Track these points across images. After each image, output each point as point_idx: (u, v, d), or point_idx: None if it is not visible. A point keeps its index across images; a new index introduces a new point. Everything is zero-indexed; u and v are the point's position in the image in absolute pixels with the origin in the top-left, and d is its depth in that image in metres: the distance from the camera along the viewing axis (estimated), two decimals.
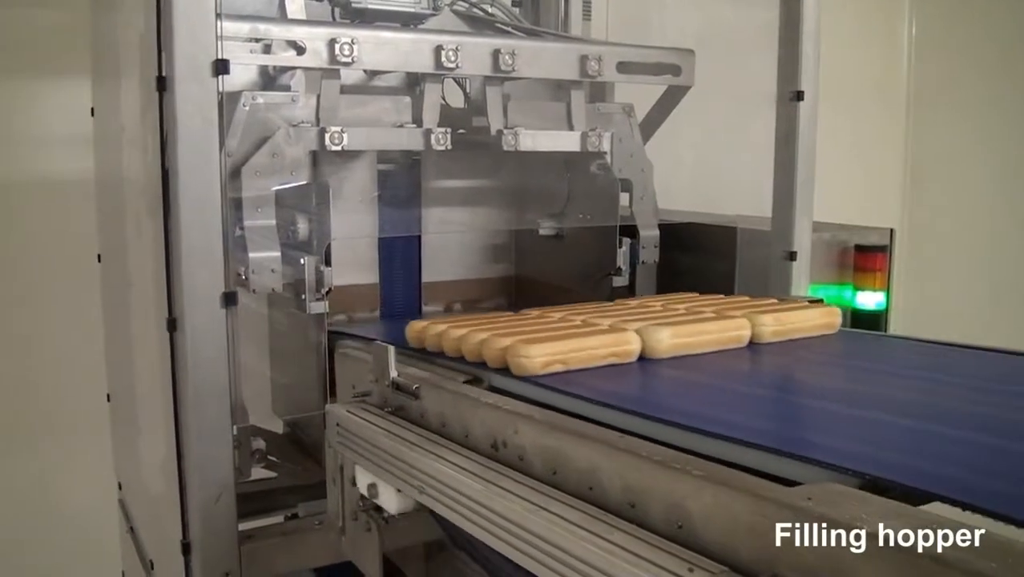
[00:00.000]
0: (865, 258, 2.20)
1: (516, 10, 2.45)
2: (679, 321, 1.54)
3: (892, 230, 2.26)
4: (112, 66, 2.12)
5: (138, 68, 1.70)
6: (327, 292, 1.74)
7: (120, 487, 2.45)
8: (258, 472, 1.90)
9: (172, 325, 1.54)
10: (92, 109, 2.37)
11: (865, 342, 1.73)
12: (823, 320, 1.68)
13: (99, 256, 2.41)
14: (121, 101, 2.04)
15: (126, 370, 2.17)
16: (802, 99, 2.04)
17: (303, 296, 1.73)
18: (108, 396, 2.47)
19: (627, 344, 1.43)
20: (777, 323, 1.58)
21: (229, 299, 1.55)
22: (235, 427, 1.61)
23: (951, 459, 1.00)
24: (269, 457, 1.82)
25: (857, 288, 2.19)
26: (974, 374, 1.41)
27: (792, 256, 2.07)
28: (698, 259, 2.23)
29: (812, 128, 2.06)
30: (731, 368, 1.45)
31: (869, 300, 2.18)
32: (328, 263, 1.73)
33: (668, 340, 1.45)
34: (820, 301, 1.80)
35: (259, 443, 1.79)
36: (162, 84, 1.50)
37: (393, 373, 1.45)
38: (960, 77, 4.17)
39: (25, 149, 2.80)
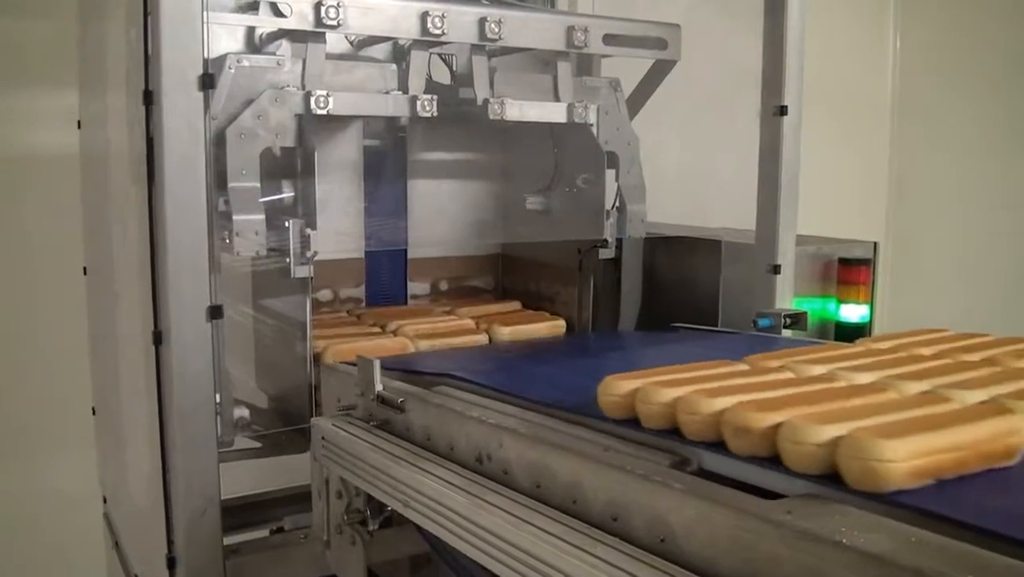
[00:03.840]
0: (849, 271, 2.21)
1: None
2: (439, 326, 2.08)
3: (876, 243, 2.27)
4: (99, 79, 2.12)
5: (125, 81, 1.70)
6: (312, 256, 1.73)
7: (105, 501, 2.44)
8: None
9: (158, 338, 1.54)
10: (79, 122, 2.37)
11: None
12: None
13: (85, 269, 2.40)
14: (108, 114, 2.04)
15: (111, 383, 2.17)
16: (786, 113, 2.05)
17: (288, 260, 1.72)
18: (93, 409, 2.46)
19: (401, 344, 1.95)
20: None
21: (215, 312, 1.55)
22: (218, 395, 1.60)
23: None
24: (253, 426, 1.80)
25: (841, 301, 2.21)
26: None
27: (776, 269, 2.08)
28: (683, 272, 2.24)
29: (796, 142, 2.08)
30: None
31: (853, 313, 2.19)
32: (313, 227, 1.73)
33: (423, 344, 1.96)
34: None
35: (243, 411, 1.78)
36: (149, 97, 1.50)
37: (378, 387, 1.45)
38: (944, 91, 4.20)
39: (13, 159, 2.79)
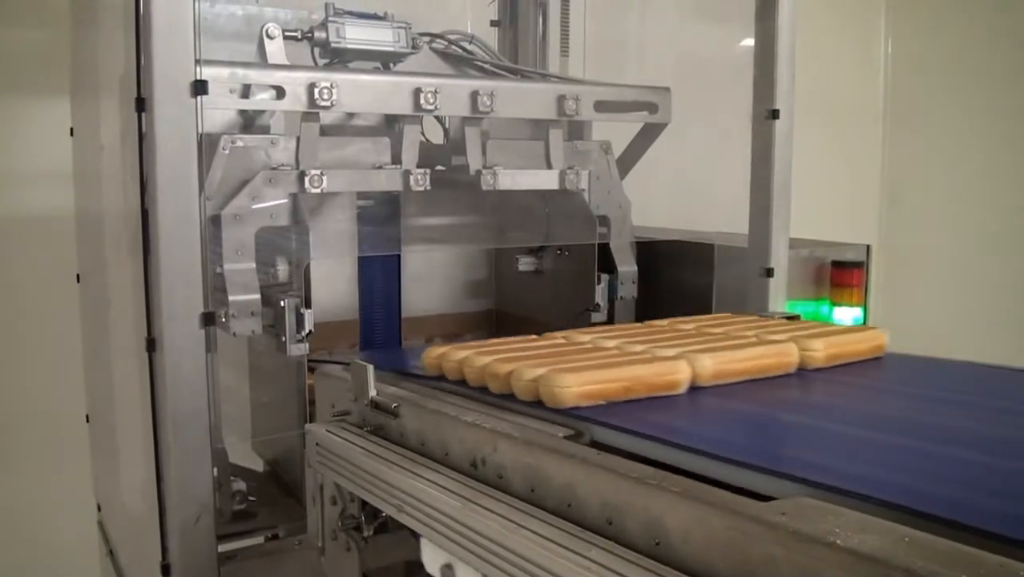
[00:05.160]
0: (842, 274, 2.22)
1: (494, 44, 2.46)
2: None
3: (868, 246, 2.28)
4: (91, 86, 2.12)
5: (117, 88, 1.70)
6: (307, 334, 1.73)
7: (99, 509, 2.43)
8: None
9: (151, 345, 1.54)
10: (71, 129, 2.37)
11: None
12: None
13: (78, 276, 2.40)
14: (101, 121, 2.04)
15: (105, 390, 2.16)
16: (777, 117, 2.06)
17: (283, 338, 1.72)
18: (87, 417, 2.46)
19: None
20: None
21: (208, 319, 1.55)
22: (215, 469, 1.61)
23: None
24: (250, 498, 1.81)
25: (834, 304, 2.21)
26: None
27: (769, 272, 2.09)
28: (677, 276, 2.25)
29: (788, 146, 2.09)
30: None
31: (846, 316, 2.20)
32: (308, 305, 1.73)
33: None
34: None
35: (240, 484, 1.79)
36: (141, 105, 1.50)
37: (372, 392, 1.45)
38: (935, 95, 4.23)
39: (5, 166, 2.79)
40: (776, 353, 1.49)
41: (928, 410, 1.33)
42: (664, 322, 1.80)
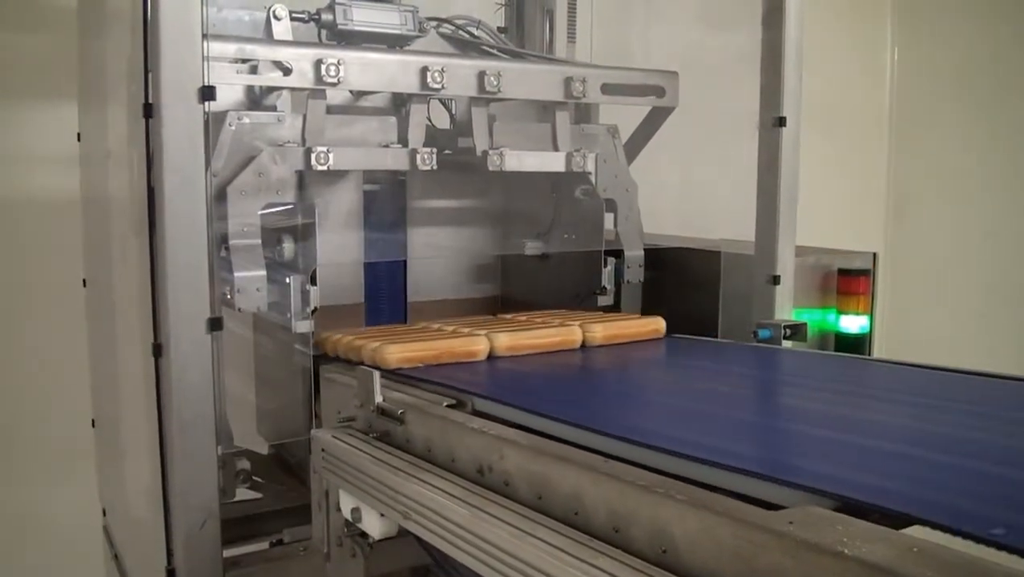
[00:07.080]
0: (848, 282, 2.21)
1: (502, 35, 2.47)
2: None
3: (875, 254, 2.27)
4: (98, 92, 2.12)
5: (125, 94, 1.70)
6: (313, 311, 1.74)
7: (104, 513, 2.43)
8: (243, 492, 1.90)
9: (157, 350, 1.54)
10: (78, 135, 2.38)
11: None
12: None
13: (84, 281, 2.40)
14: (107, 127, 2.04)
15: (111, 395, 2.17)
16: (784, 125, 2.06)
17: (288, 315, 1.72)
18: (93, 421, 2.46)
19: None
20: None
21: (214, 324, 1.55)
22: (219, 448, 1.61)
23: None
24: (254, 478, 1.81)
25: (840, 312, 2.21)
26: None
27: (776, 280, 2.08)
28: (683, 283, 2.24)
29: (795, 154, 2.08)
30: None
31: (852, 324, 2.19)
32: (314, 282, 1.73)
33: None
34: None
35: (244, 464, 1.79)
36: (148, 110, 1.50)
37: (378, 398, 1.45)
38: (941, 103, 4.22)
39: (10, 171, 2.80)
40: (562, 333, 1.89)
41: (676, 373, 1.82)
42: (509, 315, 2.17)
